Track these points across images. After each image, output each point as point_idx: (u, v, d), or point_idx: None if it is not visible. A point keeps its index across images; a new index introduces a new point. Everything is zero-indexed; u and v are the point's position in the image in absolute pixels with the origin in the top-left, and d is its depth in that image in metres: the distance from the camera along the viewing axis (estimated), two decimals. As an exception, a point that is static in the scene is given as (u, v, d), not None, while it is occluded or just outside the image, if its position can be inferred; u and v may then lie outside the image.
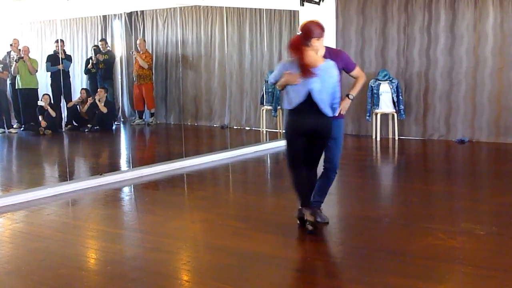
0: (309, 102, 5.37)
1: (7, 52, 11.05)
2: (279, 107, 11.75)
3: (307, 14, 11.52)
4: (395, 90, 11.27)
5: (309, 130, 5.46)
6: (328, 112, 5.43)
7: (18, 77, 10.86)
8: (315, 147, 5.60)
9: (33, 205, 7.04)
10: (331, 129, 5.54)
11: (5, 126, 11.12)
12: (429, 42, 11.27)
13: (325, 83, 5.36)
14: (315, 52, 5.41)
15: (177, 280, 4.69)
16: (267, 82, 11.90)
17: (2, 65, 10.81)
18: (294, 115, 5.50)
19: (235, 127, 13.10)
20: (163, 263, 5.04)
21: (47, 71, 11.02)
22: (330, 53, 5.64)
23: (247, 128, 12.96)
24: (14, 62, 10.83)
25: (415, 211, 6.54)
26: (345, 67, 5.76)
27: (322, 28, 5.41)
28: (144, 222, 6.41)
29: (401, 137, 11.54)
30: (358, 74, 5.88)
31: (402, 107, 11.33)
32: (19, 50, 10.88)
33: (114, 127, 12.81)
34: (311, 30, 5.37)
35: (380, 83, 11.33)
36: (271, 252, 5.21)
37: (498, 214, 6.35)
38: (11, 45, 10.93)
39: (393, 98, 11.30)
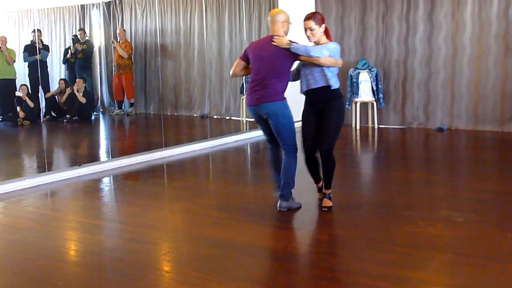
0: None
1: (-16, 43, 10.92)
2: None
3: (286, 2, 11.51)
4: (374, 78, 11.31)
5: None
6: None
7: (-5, 68, 10.75)
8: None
9: (11, 197, 6.98)
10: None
11: (-18, 117, 11.01)
12: (408, 30, 11.32)
13: None
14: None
15: (157, 271, 4.68)
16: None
17: (-22, 56, 10.69)
18: None
19: (215, 117, 13.08)
20: (143, 254, 5.02)
21: (25, 61, 10.90)
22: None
23: (227, 117, 12.95)
24: (-9, 53, 10.71)
25: (394, 199, 6.58)
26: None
27: None
28: (124, 212, 6.39)
29: (380, 126, 11.60)
30: None
31: (381, 95, 11.38)
32: (-4, 40, 10.76)
33: (93, 118, 12.70)
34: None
35: (360, 72, 11.36)
36: (251, 242, 5.22)
37: (476, 201, 6.40)
38: (-13, 35, 10.81)
39: (372, 86, 11.34)
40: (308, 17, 5.87)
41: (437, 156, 9.52)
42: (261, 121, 6.02)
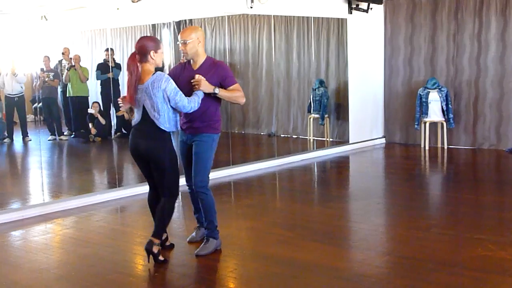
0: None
1: (59, 61, 11.24)
2: (326, 116, 11.73)
3: (355, 22, 11.50)
4: (445, 98, 11.13)
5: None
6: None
7: (69, 85, 11.04)
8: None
9: (83, 211, 7.16)
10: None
11: (56, 133, 11.31)
12: (479, 50, 11.11)
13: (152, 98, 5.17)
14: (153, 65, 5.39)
15: (224, 288, 4.72)
16: (314, 90, 11.90)
17: (53, 73, 11.00)
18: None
19: (282, 135, 13.10)
20: (210, 271, 5.07)
21: (97, 79, 11.17)
22: (209, 64, 5.60)
23: (294, 136, 12.95)
24: (66, 71, 11.02)
25: (464, 221, 6.45)
26: (222, 82, 5.48)
27: (155, 41, 5.48)
28: (191, 229, 6.45)
29: (450, 146, 11.39)
30: (236, 88, 5.53)
31: (451, 115, 11.19)
32: (70, 58, 11.07)
33: (162, 135, 12.93)
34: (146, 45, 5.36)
35: (429, 92, 11.21)
36: (317, 261, 5.20)
37: (550, 226, 6.22)
38: (62, 53, 11.13)
39: (442, 106, 11.17)
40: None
41: (508, 178, 9.28)
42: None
